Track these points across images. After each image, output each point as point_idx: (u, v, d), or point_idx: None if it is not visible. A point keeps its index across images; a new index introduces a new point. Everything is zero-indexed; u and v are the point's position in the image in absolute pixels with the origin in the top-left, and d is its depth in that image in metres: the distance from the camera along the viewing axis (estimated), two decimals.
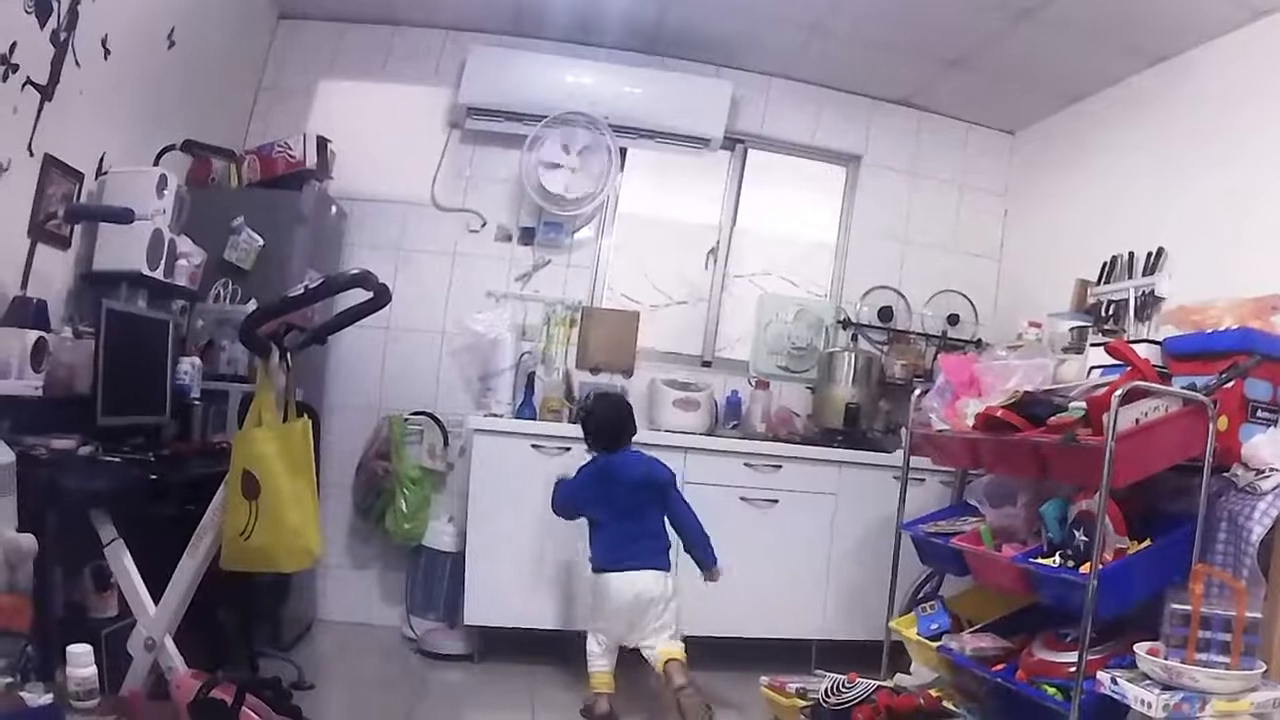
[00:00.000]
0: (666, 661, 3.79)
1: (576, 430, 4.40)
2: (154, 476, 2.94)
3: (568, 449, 4.55)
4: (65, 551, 2.77)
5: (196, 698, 2.48)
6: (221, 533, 2.68)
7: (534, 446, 4.59)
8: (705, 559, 4.08)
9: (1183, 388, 3.15)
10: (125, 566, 2.79)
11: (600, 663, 3.97)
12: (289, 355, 2.79)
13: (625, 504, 4.01)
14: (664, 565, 3.98)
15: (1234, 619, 2.70)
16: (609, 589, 3.93)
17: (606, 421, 4.19)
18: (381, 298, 2.79)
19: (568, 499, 4.14)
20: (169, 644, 2.74)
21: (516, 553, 4.54)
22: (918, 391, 4.09)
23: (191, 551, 2.76)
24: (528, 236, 5.35)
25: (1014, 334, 4.83)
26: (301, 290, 2.75)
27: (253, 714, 2.52)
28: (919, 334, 5.65)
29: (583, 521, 4.14)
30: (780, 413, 5.28)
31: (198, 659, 2.79)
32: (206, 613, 3.08)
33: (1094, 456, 2.96)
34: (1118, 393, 2.93)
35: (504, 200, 5.36)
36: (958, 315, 5.67)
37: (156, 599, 2.80)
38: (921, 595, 4.23)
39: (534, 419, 4.91)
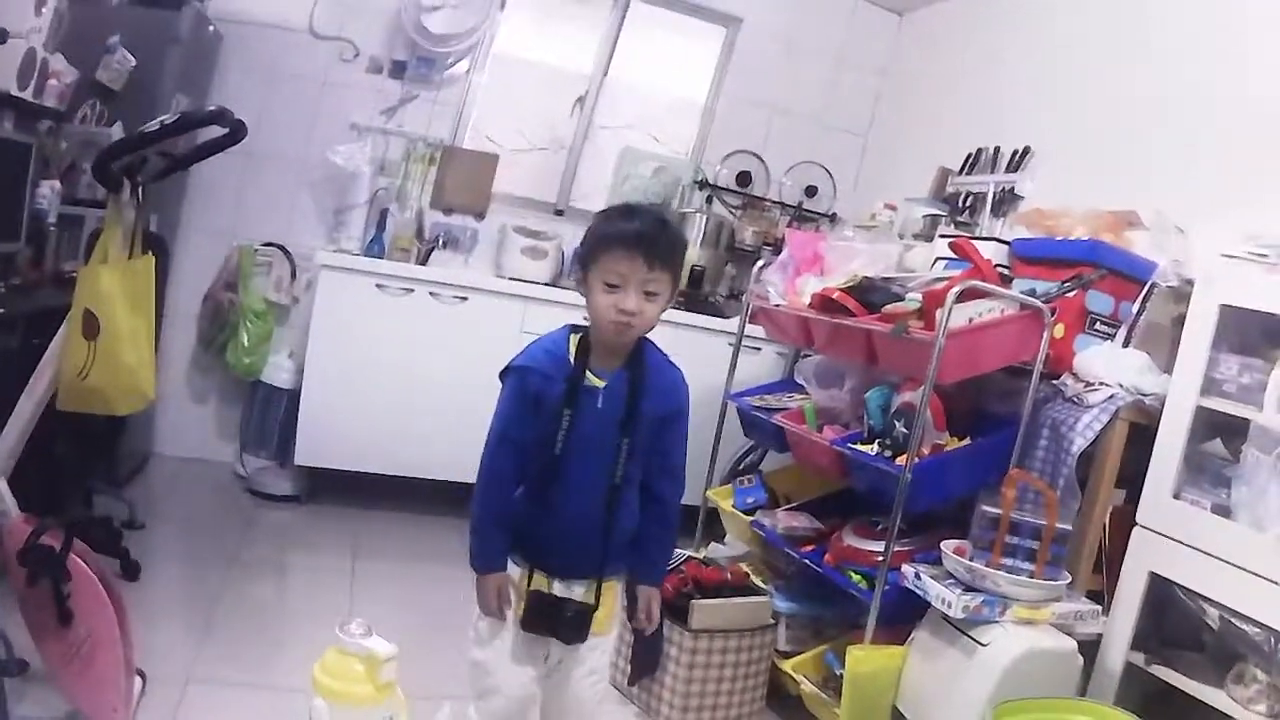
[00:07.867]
0: None
1: (423, 272, 4.17)
2: (1, 310, 2.76)
3: (411, 290, 4.23)
4: None
5: (26, 545, 2.29)
6: (60, 372, 2.40)
7: (378, 286, 4.22)
8: None
9: (1024, 291, 2.91)
10: None
11: None
12: (141, 189, 2.49)
13: None
14: None
15: (1043, 528, 2.54)
16: None
17: None
18: (237, 133, 2.51)
19: None
20: (3, 487, 2.43)
21: (352, 393, 4.19)
22: (760, 263, 3.78)
23: (29, 392, 2.45)
24: (399, 70, 4.80)
25: (869, 213, 4.55)
26: (158, 125, 2.47)
27: (80, 560, 2.32)
28: (775, 202, 5.32)
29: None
30: None
31: (33, 500, 2.50)
32: (43, 451, 2.78)
33: (922, 350, 2.73)
34: (953, 291, 2.68)
35: (380, 30, 4.76)
36: (816, 188, 5.35)
37: None
38: (742, 467, 4.05)
39: (383, 256, 4.52)
